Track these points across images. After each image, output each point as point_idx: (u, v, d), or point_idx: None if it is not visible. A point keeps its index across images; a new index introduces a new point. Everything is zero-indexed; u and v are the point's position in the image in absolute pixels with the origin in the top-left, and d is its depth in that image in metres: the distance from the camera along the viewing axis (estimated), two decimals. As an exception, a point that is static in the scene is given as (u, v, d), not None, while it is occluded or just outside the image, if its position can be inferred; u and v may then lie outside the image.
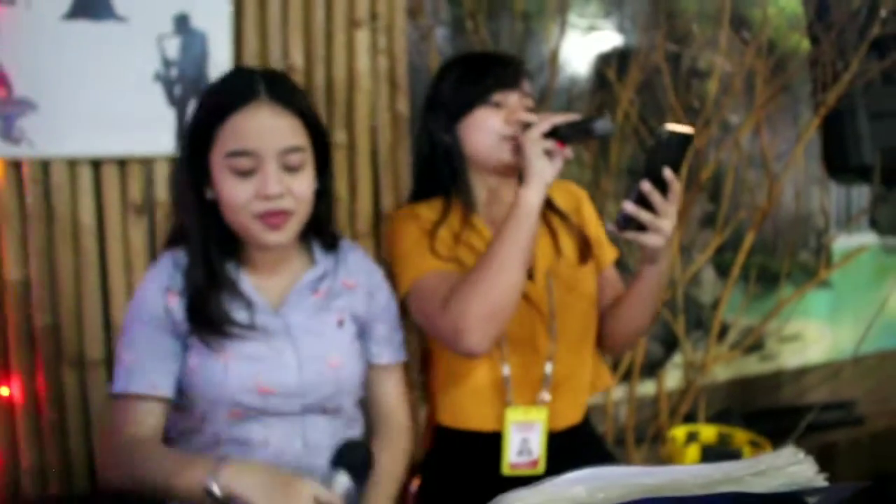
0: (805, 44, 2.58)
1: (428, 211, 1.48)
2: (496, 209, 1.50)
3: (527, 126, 1.36)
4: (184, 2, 2.03)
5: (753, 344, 2.89)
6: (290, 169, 1.23)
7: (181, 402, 1.30)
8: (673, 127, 1.20)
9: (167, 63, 2.03)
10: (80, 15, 1.94)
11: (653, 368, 2.85)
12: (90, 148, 1.98)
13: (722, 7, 2.44)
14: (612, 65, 2.53)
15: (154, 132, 2.03)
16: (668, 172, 1.23)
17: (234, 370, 1.24)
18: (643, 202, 1.25)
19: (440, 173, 1.50)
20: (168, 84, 2.04)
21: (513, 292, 1.32)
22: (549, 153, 1.32)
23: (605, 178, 2.51)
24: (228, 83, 1.29)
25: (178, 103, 2.04)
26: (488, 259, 1.32)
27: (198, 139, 1.25)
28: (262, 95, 1.23)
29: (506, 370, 1.44)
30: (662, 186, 1.24)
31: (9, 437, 1.97)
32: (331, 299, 1.35)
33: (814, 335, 3.38)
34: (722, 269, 2.99)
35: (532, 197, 1.32)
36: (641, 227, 1.27)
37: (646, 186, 1.23)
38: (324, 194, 1.33)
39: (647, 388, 2.80)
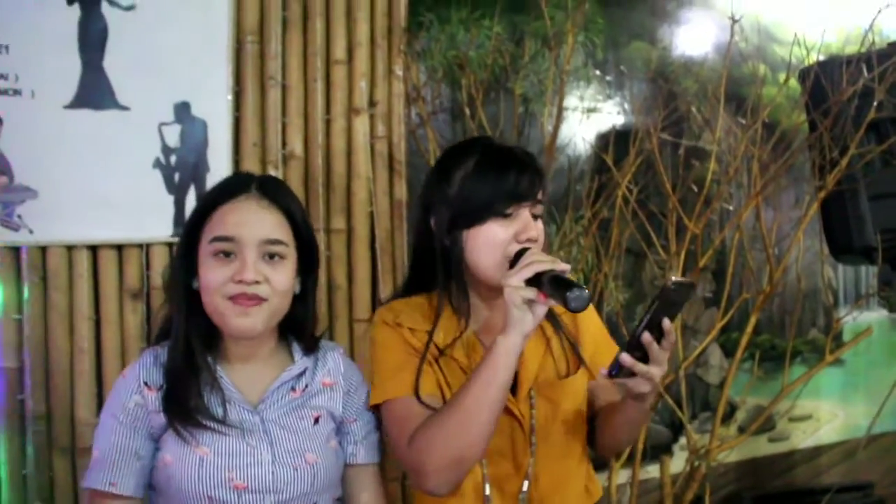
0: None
1: (410, 318, 1.40)
2: (490, 321, 1.43)
3: (515, 260, 1.30)
4: (185, 90, 2.06)
5: (763, 425, 2.81)
6: (270, 258, 1.26)
7: (156, 500, 1.30)
8: (677, 280, 1.20)
9: (167, 150, 2.06)
10: (82, 104, 1.98)
11: (659, 451, 2.77)
12: (88, 233, 1.99)
13: (720, 89, 2.43)
14: (610, 148, 2.53)
15: (152, 218, 2.04)
16: (666, 323, 1.22)
17: (208, 465, 1.24)
18: (637, 349, 1.23)
19: (435, 272, 1.42)
20: (167, 171, 2.06)
21: (479, 441, 1.26)
22: (529, 302, 1.25)
23: (606, 260, 2.49)
24: (226, 181, 1.37)
25: (176, 190, 2.06)
26: (456, 404, 1.27)
27: (191, 230, 1.30)
28: (253, 191, 1.29)
29: (486, 488, 1.39)
30: (658, 334, 1.23)
31: (-4, 527, 1.94)
32: (308, 397, 1.35)
33: (826, 414, 3.29)
34: (728, 349, 2.93)
35: (509, 346, 1.26)
36: (632, 372, 1.24)
37: (646, 338, 1.22)
38: (305, 296, 1.34)
39: (654, 470, 2.72)
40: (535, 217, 1.38)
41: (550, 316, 1.45)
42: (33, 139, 1.94)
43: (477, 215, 1.34)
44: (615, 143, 2.55)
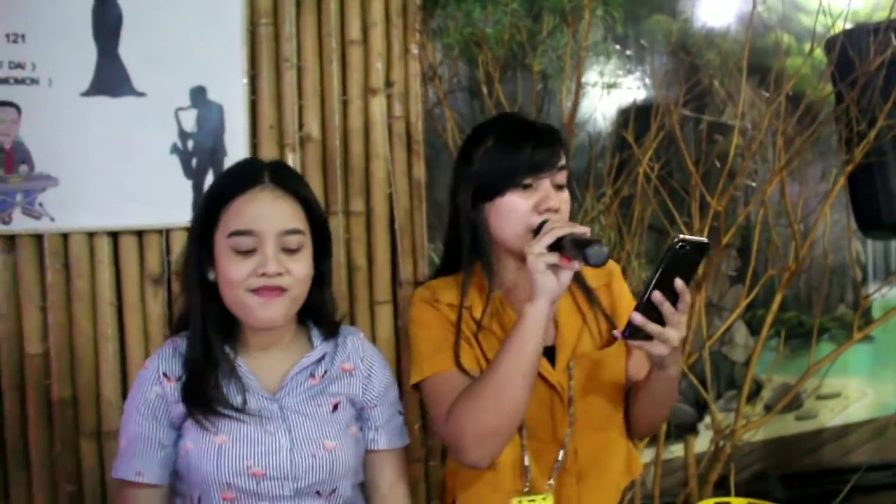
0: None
1: (448, 294, 1.43)
2: (519, 291, 1.44)
3: (537, 232, 1.32)
4: (200, 75, 2.07)
5: (790, 403, 2.78)
6: (289, 250, 1.27)
7: (180, 488, 1.32)
8: (687, 238, 1.18)
9: (184, 135, 2.07)
10: (99, 91, 2.00)
11: (684, 430, 2.75)
12: (109, 220, 2.02)
13: (742, 61, 2.38)
14: (631, 124, 2.49)
15: (171, 203, 2.06)
16: (679, 283, 1.21)
17: (227, 452, 1.26)
18: (652, 311, 1.22)
19: (465, 248, 1.44)
20: (185, 156, 2.08)
21: (514, 411, 1.28)
22: (554, 267, 1.27)
23: (628, 238, 2.46)
24: (236, 171, 1.36)
25: (194, 175, 2.08)
26: (489, 375, 1.29)
27: (205, 221, 1.29)
28: (266, 181, 1.28)
29: (526, 460, 1.40)
30: (673, 296, 1.21)
31: (26, 510, 1.98)
32: (327, 384, 1.36)
33: (855, 392, 3.24)
34: (754, 327, 2.90)
35: (536, 313, 1.28)
36: (649, 335, 1.24)
37: (657, 297, 1.21)
38: (322, 281, 1.35)
39: (678, 450, 2.70)
40: (558, 187, 1.39)
41: (586, 290, 1.47)
42: (52, 127, 1.97)
43: (497, 187, 1.37)
44: (636, 118, 2.50)
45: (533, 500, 1.37)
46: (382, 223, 2.26)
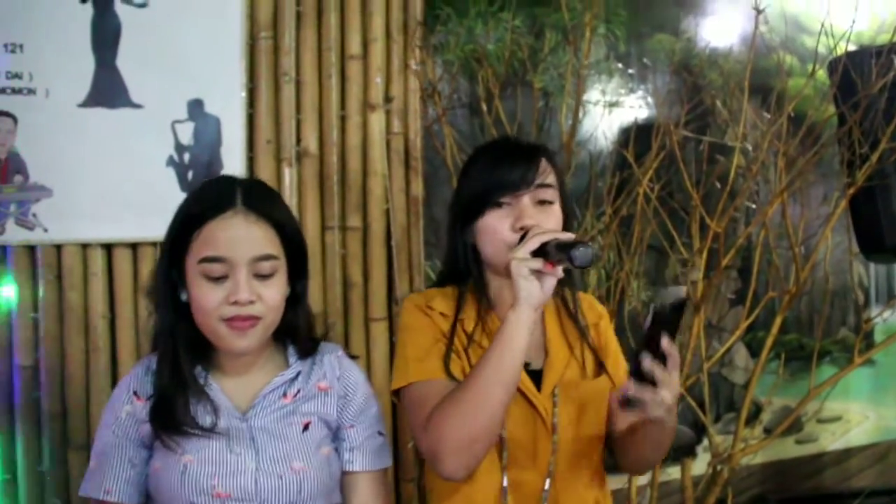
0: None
1: (442, 302, 1.44)
2: (507, 309, 1.39)
3: (522, 239, 1.31)
4: (198, 87, 2.07)
5: (791, 426, 2.76)
6: (261, 276, 1.26)
7: None
8: (668, 295, 1.21)
9: (180, 148, 2.07)
10: (96, 103, 1.99)
11: (683, 452, 2.73)
12: (103, 232, 2.01)
13: (744, 81, 2.38)
14: (631, 143, 2.48)
15: (167, 216, 1.87)
16: (665, 343, 1.22)
17: (191, 472, 1.25)
18: (643, 376, 1.23)
19: (460, 266, 1.47)
20: (181, 169, 2.07)
21: (492, 420, 1.27)
22: (538, 273, 1.27)
23: (627, 258, 2.45)
24: (208, 192, 1.32)
25: (190, 187, 2.06)
26: (469, 383, 1.28)
27: (176, 243, 1.28)
28: (239, 205, 1.26)
29: (504, 481, 1.38)
30: (661, 357, 1.22)
31: (13, 524, 1.96)
32: (300, 403, 1.34)
33: (856, 416, 3.22)
34: (754, 349, 2.88)
35: (519, 320, 1.27)
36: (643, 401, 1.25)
37: (647, 363, 1.22)
38: (297, 300, 1.34)
39: (676, 472, 2.68)
40: (541, 203, 1.39)
41: (576, 323, 1.48)
42: (48, 138, 1.96)
43: (475, 208, 1.40)
44: (638, 137, 2.50)
45: None
46: (379, 239, 2.26)
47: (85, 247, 2.01)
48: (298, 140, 2.19)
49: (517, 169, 1.38)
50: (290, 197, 2.17)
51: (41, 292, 1.98)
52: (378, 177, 2.25)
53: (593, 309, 1.54)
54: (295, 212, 2.17)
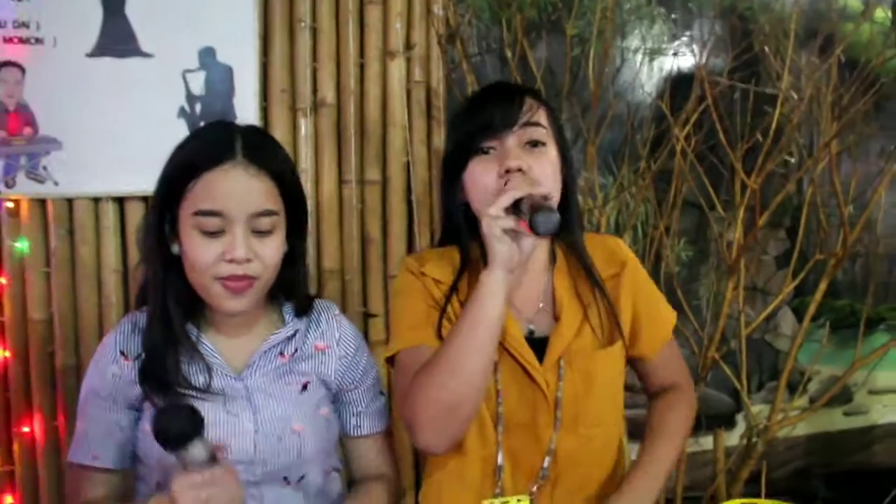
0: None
1: (436, 268, 1.36)
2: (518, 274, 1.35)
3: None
4: (209, 35, 2.04)
5: (838, 397, 2.65)
6: (260, 233, 1.22)
7: (141, 472, 1.30)
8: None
9: (192, 98, 2.05)
10: (105, 52, 1.99)
11: (721, 421, 2.64)
12: (114, 185, 2.02)
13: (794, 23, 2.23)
14: (666, 95, 2.38)
15: None
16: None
17: None
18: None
19: (454, 227, 1.39)
20: (192, 119, 2.05)
21: (469, 388, 1.20)
22: (512, 232, 1.20)
23: (663, 215, 2.36)
24: (206, 139, 1.27)
25: (201, 140, 2.05)
26: (443, 350, 1.22)
27: (169, 192, 1.23)
28: (239, 155, 1.21)
29: (500, 458, 1.32)
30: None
31: (30, 475, 2.03)
32: (297, 362, 1.32)
33: (913, 386, 3.08)
34: (801, 314, 2.75)
35: (491, 283, 1.21)
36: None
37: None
38: (295, 258, 1.31)
39: (709, 442, 2.56)
40: (531, 144, 1.31)
41: (592, 279, 1.37)
42: (56, 88, 1.97)
43: (459, 158, 1.32)
44: (679, 87, 2.39)
45: (507, 503, 1.30)
46: (399, 194, 2.22)
47: (96, 201, 2.03)
48: (315, 90, 2.15)
49: (499, 108, 1.31)
50: (305, 149, 2.14)
51: (53, 246, 2.00)
52: (398, 128, 2.20)
53: (613, 257, 1.42)
54: (311, 164, 2.15)
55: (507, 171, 1.27)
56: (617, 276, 1.40)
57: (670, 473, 1.35)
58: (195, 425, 1.06)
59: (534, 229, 1.14)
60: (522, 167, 1.26)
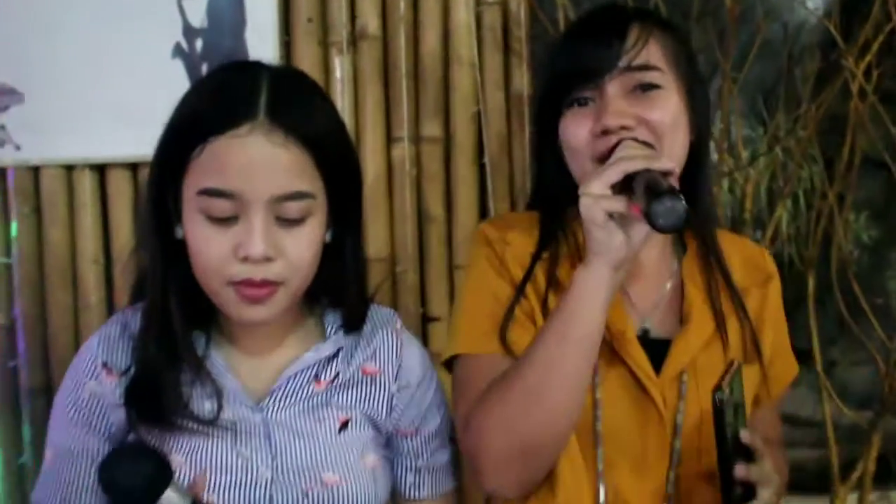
0: None
1: (525, 237, 1.24)
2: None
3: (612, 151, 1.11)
4: (212, -52, 1.89)
5: None
6: (286, 221, 1.07)
7: None
8: (723, 389, 1.10)
9: (190, 32, 1.87)
10: (80, -25, 1.86)
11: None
12: (92, 149, 1.85)
13: None
14: (847, 8, 2.07)
15: None
16: (745, 436, 1.12)
17: (181, 480, 1.09)
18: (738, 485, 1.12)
19: (549, 190, 1.30)
20: (191, 61, 1.87)
21: (553, 422, 1.10)
22: (621, 218, 1.07)
23: (835, 178, 2.06)
24: (219, 85, 1.12)
25: (203, 84, 1.84)
26: (521, 368, 1.11)
27: (169, 161, 1.09)
28: (261, 115, 1.05)
29: (602, 493, 1.19)
30: (746, 454, 1.12)
31: None
32: (337, 392, 1.18)
33: None
34: None
35: (590, 282, 1.08)
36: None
37: (741, 472, 1.10)
38: (341, 252, 1.16)
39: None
40: (642, 88, 1.17)
41: (731, 288, 1.28)
42: (18, 25, 1.80)
43: (551, 111, 1.23)
44: (854, 2, 2.09)
45: None
46: (467, 155, 1.93)
47: (69, 169, 1.88)
48: (352, 17, 1.90)
49: (594, 46, 1.20)
50: (341, 97, 1.91)
51: (14, 231, 1.86)
52: (465, 67, 1.91)
53: (757, 266, 1.33)
54: (349, 117, 1.93)
55: (605, 133, 1.15)
56: (763, 288, 1.32)
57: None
58: (156, 480, 1.01)
59: (651, 220, 1.00)
60: (627, 124, 1.14)
